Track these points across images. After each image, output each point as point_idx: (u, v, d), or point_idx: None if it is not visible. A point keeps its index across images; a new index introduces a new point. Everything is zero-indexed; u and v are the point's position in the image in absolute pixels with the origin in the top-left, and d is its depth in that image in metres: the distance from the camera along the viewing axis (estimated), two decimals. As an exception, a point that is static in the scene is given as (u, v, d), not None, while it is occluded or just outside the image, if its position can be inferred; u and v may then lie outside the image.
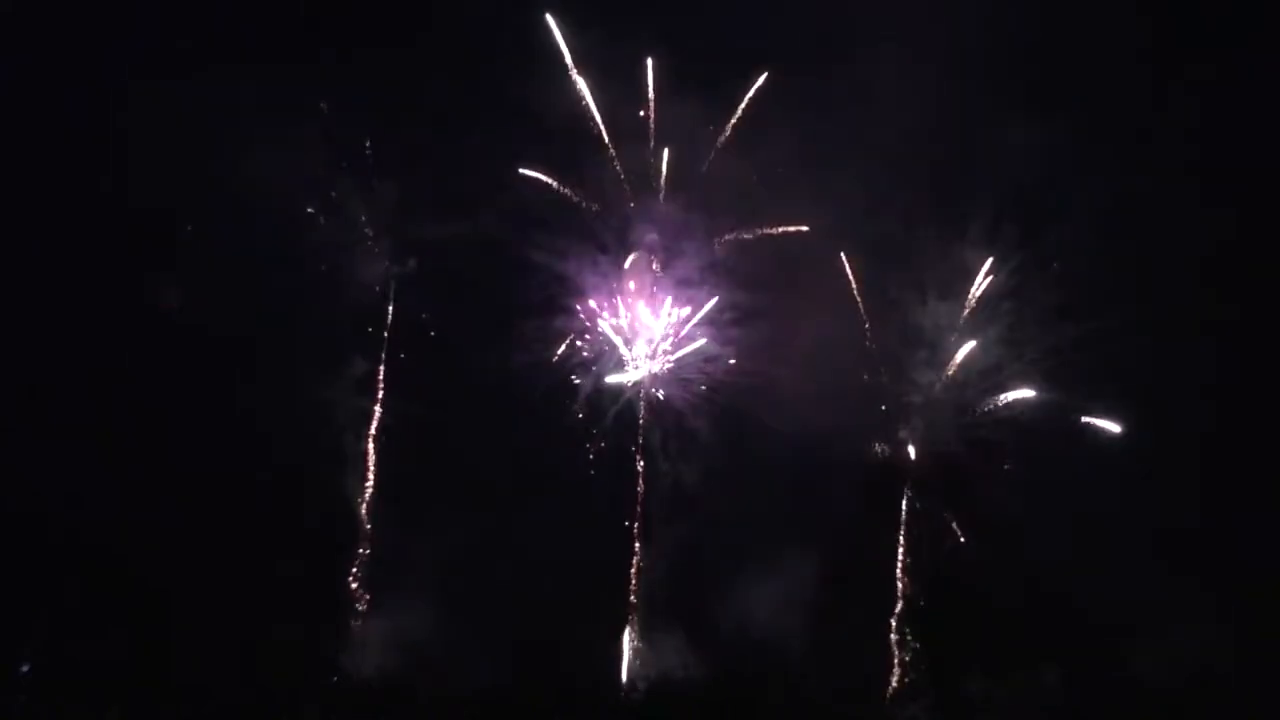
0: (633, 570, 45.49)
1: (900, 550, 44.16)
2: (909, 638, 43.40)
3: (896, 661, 43.69)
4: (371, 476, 45.37)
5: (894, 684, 43.28)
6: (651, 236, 46.08)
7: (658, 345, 45.88)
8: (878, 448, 44.93)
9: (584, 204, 45.86)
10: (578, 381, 45.64)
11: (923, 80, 42.79)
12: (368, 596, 44.66)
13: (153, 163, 42.73)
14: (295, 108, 44.04)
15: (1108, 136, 43.88)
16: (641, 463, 45.92)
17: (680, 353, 45.98)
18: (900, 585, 44.13)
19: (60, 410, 43.41)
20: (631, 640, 44.79)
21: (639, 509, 45.90)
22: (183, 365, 43.73)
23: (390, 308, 46.27)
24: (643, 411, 46.19)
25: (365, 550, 44.88)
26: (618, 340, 45.81)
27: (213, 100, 42.17)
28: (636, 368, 45.83)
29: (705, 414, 45.76)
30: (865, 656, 43.59)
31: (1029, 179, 43.05)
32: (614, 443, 46.21)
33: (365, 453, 45.45)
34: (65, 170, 43.19)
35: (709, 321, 45.63)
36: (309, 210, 44.99)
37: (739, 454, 45.00)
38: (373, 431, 45.60)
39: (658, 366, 45.92)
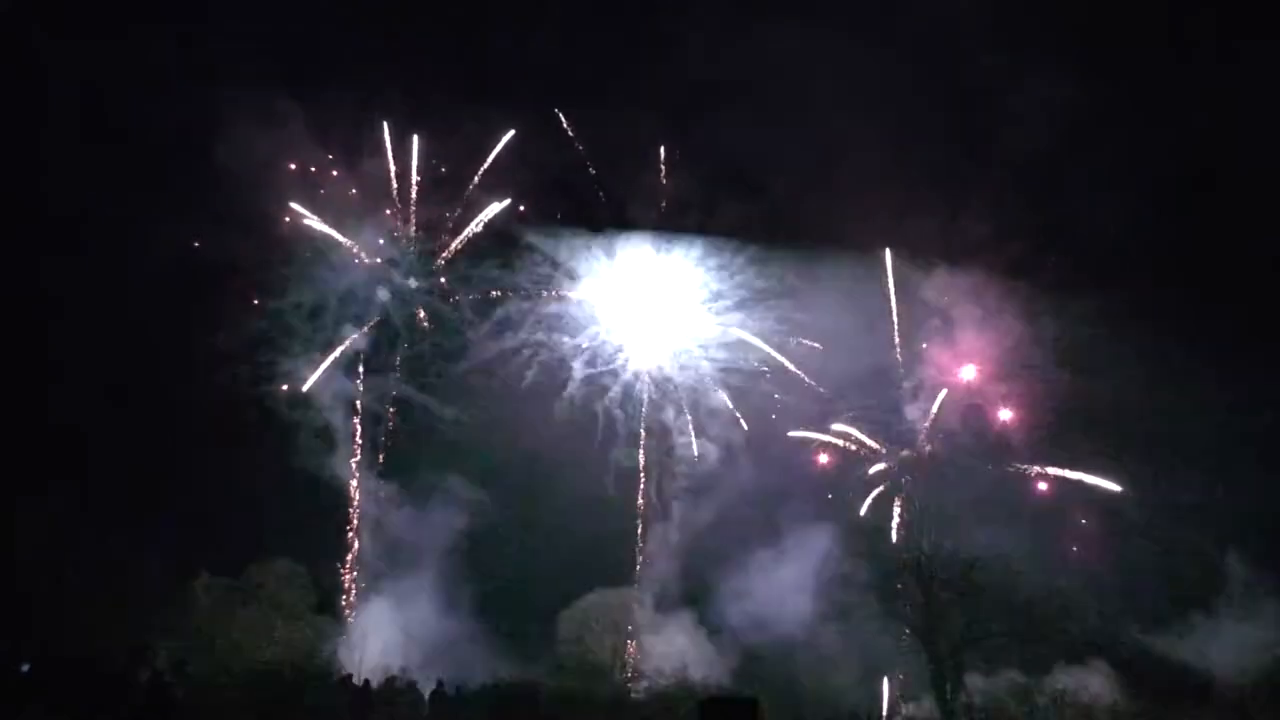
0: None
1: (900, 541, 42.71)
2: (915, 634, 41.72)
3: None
4: (368, 470, 44.46)
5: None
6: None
7: None
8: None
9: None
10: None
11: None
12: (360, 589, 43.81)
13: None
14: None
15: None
16: (643, 451, 44.72)
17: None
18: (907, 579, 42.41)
19: (55, 408, 43.04)
20: (635, 634, 43.66)
21: (643, 497, 44.70)
22: (177, 364, 43.14)
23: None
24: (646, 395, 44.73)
25: (360, 546, 43.99)
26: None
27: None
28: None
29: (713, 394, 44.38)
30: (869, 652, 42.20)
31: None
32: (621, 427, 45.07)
33: (362, 441, 44.51)
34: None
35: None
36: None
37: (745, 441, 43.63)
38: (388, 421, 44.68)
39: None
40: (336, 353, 43.69)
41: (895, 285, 43.35)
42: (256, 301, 43.73)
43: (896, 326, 43.39)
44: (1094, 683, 40.59)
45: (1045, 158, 41.13)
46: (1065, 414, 41.75)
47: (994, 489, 42.45)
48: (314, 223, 43.82)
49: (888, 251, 43.71)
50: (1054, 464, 42.07)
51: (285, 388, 43.35)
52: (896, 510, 43.41)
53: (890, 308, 43.42)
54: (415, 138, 44.32)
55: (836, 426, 43.51)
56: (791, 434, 43.21)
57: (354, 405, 44.38)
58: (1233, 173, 41.24)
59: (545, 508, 42.95)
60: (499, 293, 44.67)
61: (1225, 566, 40.24)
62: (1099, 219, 40.98)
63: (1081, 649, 41.03)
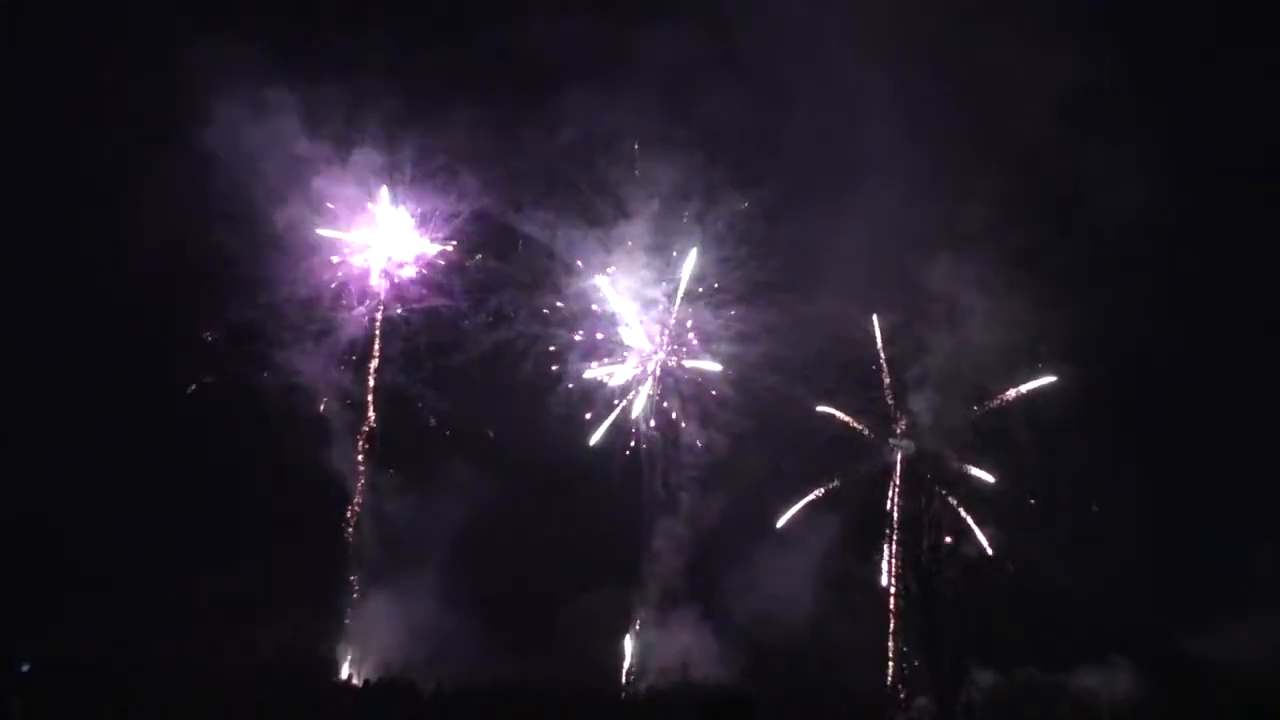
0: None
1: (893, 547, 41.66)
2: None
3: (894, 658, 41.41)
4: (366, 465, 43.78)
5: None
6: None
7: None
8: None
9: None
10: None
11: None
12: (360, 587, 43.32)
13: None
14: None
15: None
16: (646, 444, 43.77)
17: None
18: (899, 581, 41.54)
19: (54, 410, 42.73)
20: (637, 632, 43.06)
21: (646, 491, 43.82)
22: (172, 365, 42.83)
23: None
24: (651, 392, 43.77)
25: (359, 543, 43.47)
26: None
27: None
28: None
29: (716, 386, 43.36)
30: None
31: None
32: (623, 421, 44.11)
33: (360, 437, 43.83)
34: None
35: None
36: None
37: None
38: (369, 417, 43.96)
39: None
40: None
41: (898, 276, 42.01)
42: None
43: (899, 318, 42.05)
44: (1117, 681, 39.71)
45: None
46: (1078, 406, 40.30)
47: (1005, 483, 41.19)
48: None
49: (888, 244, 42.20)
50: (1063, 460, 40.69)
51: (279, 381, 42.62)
52: (898, 504, 42.25)
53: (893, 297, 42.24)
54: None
55: (841, 417, 42.32)
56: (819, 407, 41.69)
57: (351, 399, 43.63)
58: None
59: (547, 503, 42.30)
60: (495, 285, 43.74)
61: (1256, 562, 38.97)
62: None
63: (1104, 647, 40.13)
